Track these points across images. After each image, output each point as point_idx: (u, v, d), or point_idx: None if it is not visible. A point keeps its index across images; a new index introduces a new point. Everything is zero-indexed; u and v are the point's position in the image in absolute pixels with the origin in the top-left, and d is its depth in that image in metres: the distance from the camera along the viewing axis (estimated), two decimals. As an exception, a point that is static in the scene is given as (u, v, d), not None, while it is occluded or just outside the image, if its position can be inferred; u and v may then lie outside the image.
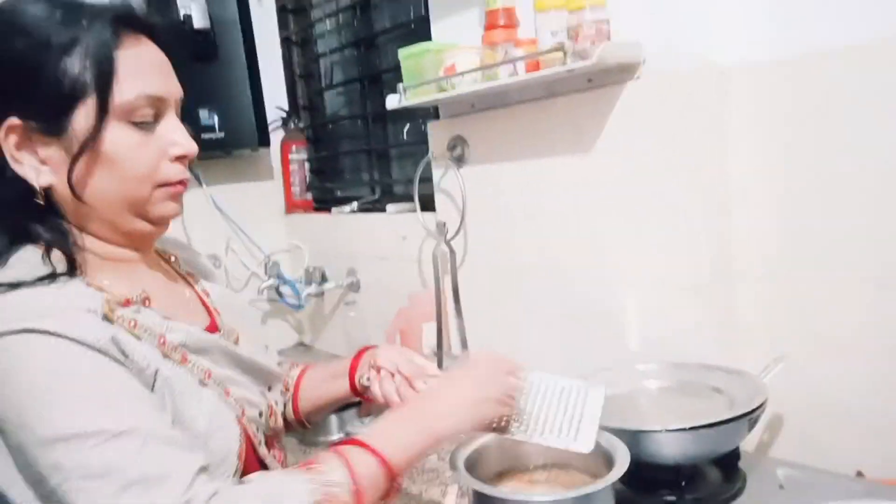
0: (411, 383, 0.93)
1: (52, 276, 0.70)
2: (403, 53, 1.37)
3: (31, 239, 0.74)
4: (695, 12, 1.07)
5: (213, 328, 0.87)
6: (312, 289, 1.92)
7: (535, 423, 0.85)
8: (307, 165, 2.15)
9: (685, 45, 1.08)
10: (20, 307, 0.66)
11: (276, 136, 2.16)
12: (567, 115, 1.24)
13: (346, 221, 1.93)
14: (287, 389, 1.05)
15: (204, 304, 0.91)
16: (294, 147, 2.13)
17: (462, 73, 1.24)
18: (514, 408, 0.86)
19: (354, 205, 1.91)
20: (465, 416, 0.81)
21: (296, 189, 2.13)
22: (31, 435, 0.63)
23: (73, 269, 0.73)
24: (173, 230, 1.89)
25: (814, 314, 1.06)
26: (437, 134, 1.51)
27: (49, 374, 0.63)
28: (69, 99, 0.70)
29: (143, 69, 0.74)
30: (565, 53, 1.06)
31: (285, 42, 2.20)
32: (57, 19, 0.71)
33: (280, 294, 2.04)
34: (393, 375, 0.95)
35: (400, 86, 1.37)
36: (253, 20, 2.06)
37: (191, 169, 2.00)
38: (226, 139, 1.91)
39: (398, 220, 1.72)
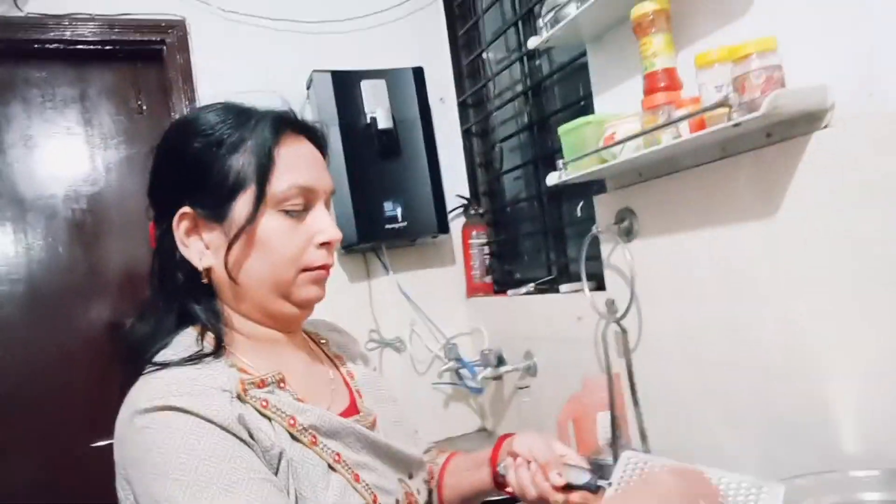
0: (545, 473, 0.84)
1: (199, 357, 0.75)
2: (563, 129, 1.34)
3: (192, 319, 0.81)
4: (894, 42, 0.90)
5: (351, 410, 0.87)
6: (489, 372, 1.88)
7: None
8: (487, 249, 2.16)
9: (885, 81, 0.91)
10: (165, 385, 0.71)
11: (458, 223, 2.23)
12: (745, 175, 1.10)
13: (522, 303, 1.89)
14: (432, 478, 1.01)
15: (347, 386, 0.92)
16: (474, 232, 2.17)
17: (622, 142, 1.17)
18: None
19: (530, 286, 1.87)
20: None
21: (476, 273, 2.15)
22: None
23: (219, 349, 0.78)
24: (360, 314, 2.00)
25: None
26: (604, 208, 1.43)
27: (178, 452, 0.66)
28: (233, 189, 0.78)
29: (297, 164, 0.81)
30: (730, 107, 0.95)
31: (465, 133, 2.30)
32: (229, 123, 0.80)
33: (460, 377, 2.03)
34: (529, 463, 0.87)
35: (559, 161, 1.33)
36: (435, 115, 2.20)
37: (378, 257, 2.12)
38: (408, 228, 2.01)
39: (572, 300, 1.64)
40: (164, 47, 2.05)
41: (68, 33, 1.95)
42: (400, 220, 1.99)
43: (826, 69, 0.96)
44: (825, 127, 0.97)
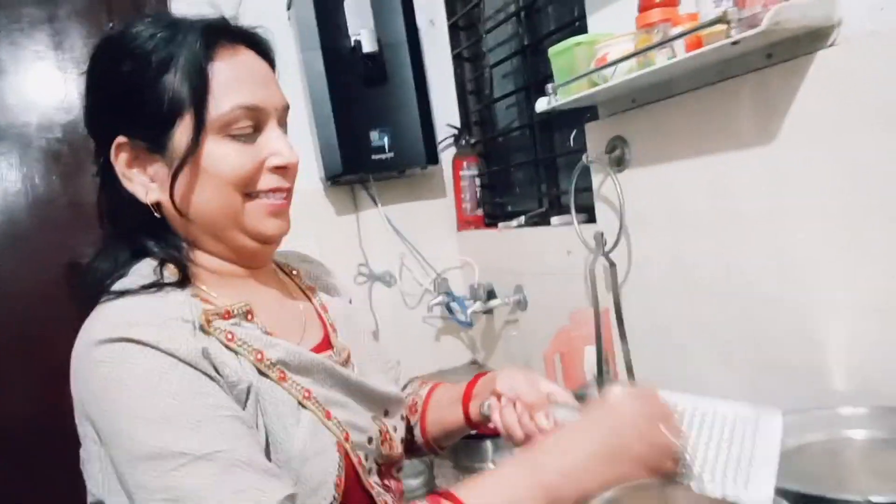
0: (532, 415, 0.81)
1: (158, 286, 0.71)
2: (553, 51, 1.26)
3: (149, 253, 0.76)
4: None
5: (324, 345, 0.84)
6: (478, 306, 1.86)
7: (694, 465, 0.68)
8: (478, 181, 2.10)
9: (900, -5, 0.83)
10: (122, 315, 0.67)
11: (449, 154, 2.15)
12: (745, 99, 1.03)
13: (513, 237, 1.85)
14: (416, 411, 0.99)
15: (321, 319, 0.89)
16: (465, 163, 2.10)
17: (614, 63, 1.10)
18: (672, 469, 0.68)
19: (521, 219, 1.82)
20: (595, 478, 0.64)
21: (467, 206, 2.10)
22: (119, 451, 0.63)
23: (182, 282, 0.73)
24: (348, 247, 1.95)
25: None
26: (595, 136, 1.36)
27: (140, 390, 0.63)
28: (168, 115, 0.72)
29: (238, 80, 0.73)
30: (728, 23, 0.87)
31: (456, 58, 2.19)
32: (157, 38, 0.72)
33: (451, 311, 2.01)
34: (515, 404, 0.84)
35: (549, 86, 1.25)
36: (425, 40, 2.09)
37: (366, 189, 2.05)
38: (396, 159, 1.94)
39: (563, 233, 1.59)
40: (136, -34, 1.93)
41: (32, -51, 1.83)
42: (387, 150, 1.91)
43: (835, -19, 0.88)
44: (830, 45, 0.90)
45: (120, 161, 0.74)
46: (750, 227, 1.06)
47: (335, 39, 1.87)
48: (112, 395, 0.64)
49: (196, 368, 0.66)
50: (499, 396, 0.86)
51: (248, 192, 0.75)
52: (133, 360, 0.64)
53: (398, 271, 2.10)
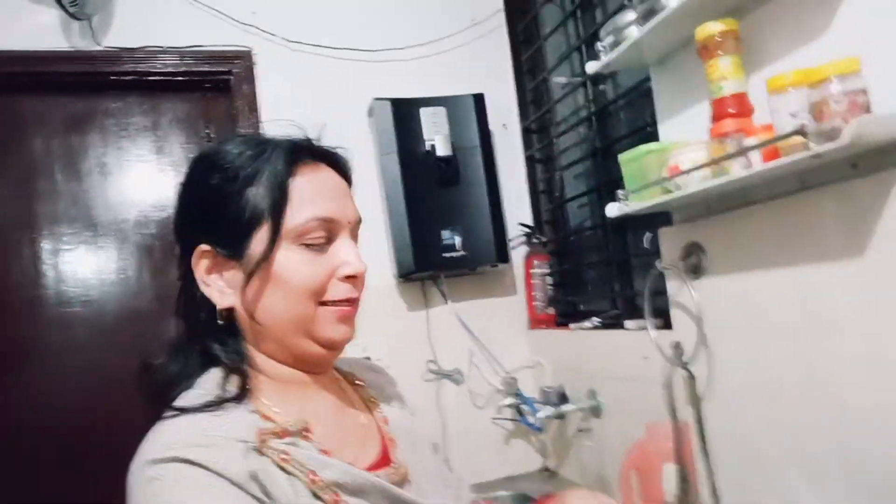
0: None
1: (218, 403, 0.72)
2: (624, 158, 1.27)
3: (216, 361, 0.78)
4: None
5: (382, 462, 0.82)
6: (550, 411, 1.79)
7: None
8: (549, 279, 2.08)
9: None
10: (178, 434, 0.68)
11: (521, 252, 2.16)
12: (829, 210, 0.99)
13: (586, 338, 1.80)
14: (478, 534, 0.94)
15: (380, 432, 0.87)
16: (536, 261, 2.09)
17: (687, 172, 1.09)
18: None
19: (595, 320, 1.78)
20: None
21: (538, 303, 2.08)
22: None
23: (243, 393, 0.74)
24: (418, 343, 1.95)
25: None
26: (670, 242, 1.33)
27: None
28: (248, 225, 0.75)
29: (316, 194, 0.77)
30: (806, 136, 0.85)
31: (529, 160, 2.24)
32: (245, 155, 0.77)
33: (521, 413, 1.95)
34: None
35: (619, 192, 1.25)
36: (497, 142, 2.16)
37: (437, 286, 2.07)
38: (467, 257, 1.96)
39: (638, 337, 1.54)
40: (232, 77, 2.10)
41: (142, 65, 2.03)
42: (458, 248, 1.94)
43: (921, 92, 0.85)
44: (919, 158, 0.86)
45: (200, 267, 0.78)
46: (839, 337, 0.99)
47: (411, 144, 1.95)
48: None
49: (245, 491, 0.65)
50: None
51: (320, 300, 0.77)
52: (183, 480, 0.64)
53: (467, 369, 2.07)
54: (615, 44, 1.26)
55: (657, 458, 1.26)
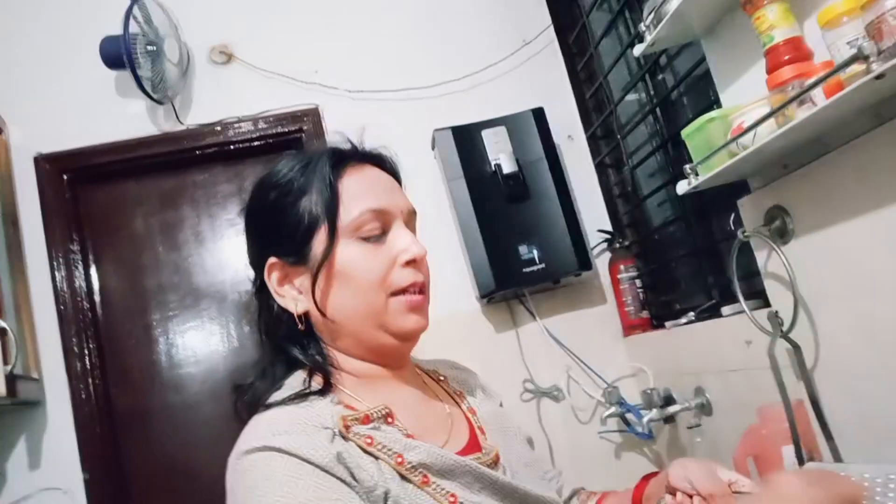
0: None
1: (303, 395, 0.74)
2: (687, 132, 1.23)
3: (301, 365, 0.81)
4: None
5: (471, 448, 0.81)
6: (655, 414, 1.71)
7: None
8: (638, 282, 2.02)
9: None
10: (268, 425, 0.71)
11: (605, 260, 2.11)
12: (912, 140, 0.92)
13: (684, 335, 1.72)
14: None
15: (468, 422, 0.87)
16: (622, 266, 2.04)
17: (750, 128, 1.04)
18: None
19: (690, 315, 1.70)
20: None
21: (630, 309, 2.01)
22: None
23: (326, 389, 0.77)
24: (511, 364, 1.93)
25: None
26: (751, 211, 1.27)
27: (279, 494, 0.65)
28: (308, 229, 0.80)
29: (365, 189, 0.81)
30: (867, 58, 0.80)
31: (599, 167, 2.21)
32: (295, 169, 0.82)
33: (627, 423, 1.87)
34: (692, 497, 0.74)
35: (687, 167, 1.21)
36: (566, 153, 2.16)
37: (523, 304, 2.05)
38: (547, 269, 1.93)
39: (737, 322, 1.45)
40: (303, 134, 2.22)
41: (222, 137, 2.19)
42: (538, 262, 1.92)
43: None
44: None
45: (272, 280, 0.82)
46: (956, 280, 0.90)
47: (477, 166, 1.98)
48: (255, 498, 0.66)
49: (331, 474, 0.67)
50: (674, 492, 0.76)
51: (389, 291, 0.79)
52: (273, 466, 0.67)
53: (566, 385, 2.02)
54: (658, 20, 1.24)
55: (773, 442, 1.17)
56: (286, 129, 2.23)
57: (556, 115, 2.16)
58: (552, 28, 2.30)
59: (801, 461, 1.13)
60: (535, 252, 1.92)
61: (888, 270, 0.99)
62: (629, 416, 1.87)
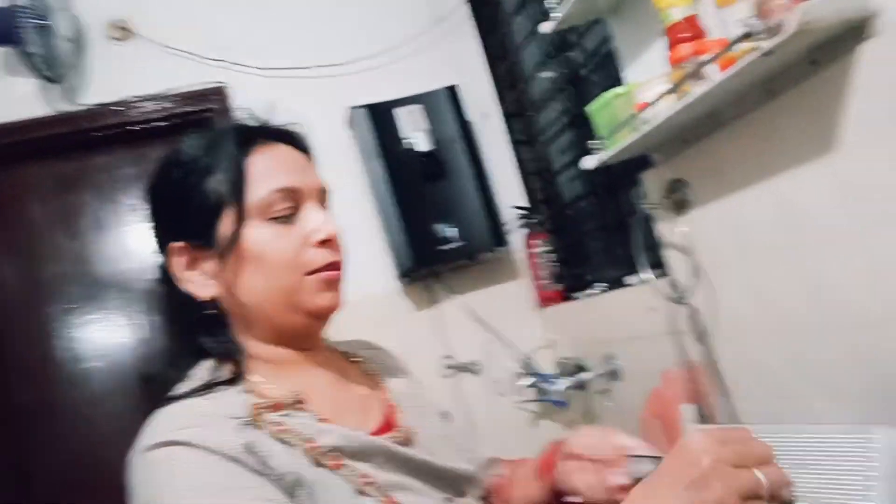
0: (606, 473, 0.74)
1: (210, 387, 0.72)
2: (593, 108, 1.27)
3: (207, 352, 0.78)
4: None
5: (386, 428, 0.81)
6: (569, 381, 1.77)
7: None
8: (552, 256, 2.07)
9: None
10: (170, 420, 0.68)
11: (521, 236, 2.16)
12: (794, 113, 0.98)
13: (594, 305, 1.79)
14: (498, 491, 0.93)
15: (384, 402, 0.86)
16: (536, 241, 2.09)
17: (652, 104, 1.08)
18: None
19: (599, 286, 1.76)
20: None
21: (544, 282, 2.06)
22: None
23: (236, 377, 0.74)
24: (431, 342, 1.94)
25: None
26: (653, 183, 1.33)
27: (186, 488, 0.63)
28: (213, 211, 0.76)
29: (274, 167, 0.78)
30: (754, 35, 0.85)
31: (514, 143, 2.24)
32: (201, 147, 0.78)
33: (543, 392, 1.93)
34: (591, 463, 0.77)
35: (593, 143, 1.25)
36: (482, 132, 2.17)
37: (441, 281, 2.06)
38: (465, 246, 1.96)
39: (642, 291, 1.52)
40: (211, 114, 2.13)
41: (122, 117, 2.07)
42: (455, 239, 1.94)
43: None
44: (870, 38, 0.85)
45: (177, 264, 0.78)
46: (831, 244, 0.98)
47: (392, 145, 1.97)
48: (161, 497, 0.64)
49: (241, 464, 0.65)
50: (575, 459, 0.79)
51: (303, 271, 0.77)
52: (179, 461, 0.64)
53: (484, 358, 2.06)
54: (564, -2, 1.27)
55: (674, 403, 1.24)
56: (193, 109, 2.13)
57: (471, 93, 2.17)
58: (465, 5, 2.30)
59: (701, 420, 1.20)
60: (452, 230, 1.94)
61: (778, 238, 1.07)
62: (544, 385, 1.93)
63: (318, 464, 0.69)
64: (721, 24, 0.98)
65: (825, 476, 0.59)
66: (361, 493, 0.70)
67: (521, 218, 2.14)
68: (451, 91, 2.07)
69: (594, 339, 1.77)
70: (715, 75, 0.98)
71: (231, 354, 0.77)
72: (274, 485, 0.65)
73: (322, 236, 0.77)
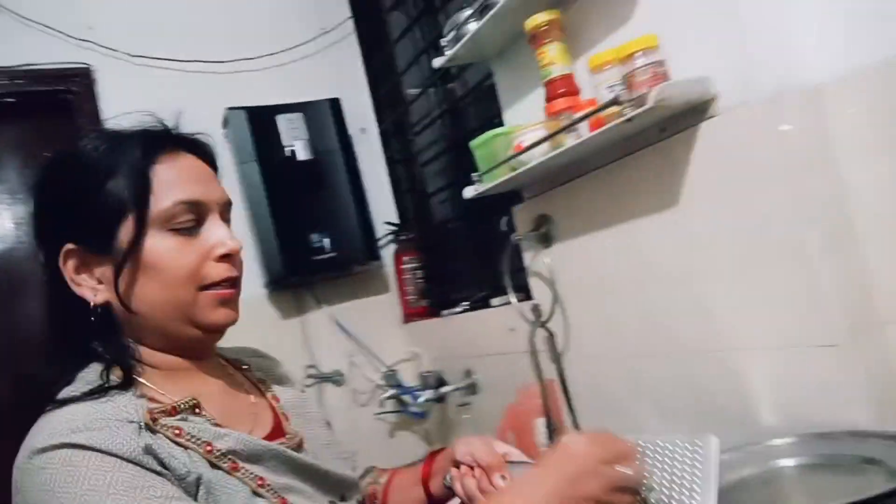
0: (490, 477, 0.83)
1: (102, 390, 0.72)
2: (474, 143, 1.37)
3: (96, 357, 0.77)
4: (767, 32, 0.96)
5: (276, 434, 0.84)
6: (430, 394, 1.87)
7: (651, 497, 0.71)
8: (420, 273, 2.17)
9: (763, 69, 0.96)
10: (64, 422, 0.67)
11: (390, 251, 2.23)
12: (647, 170, 1.15)
13: (457, 323, 1.90)
14: (376, 499, 0.99)
15: (272, 410, 0.89)
16: (405, 258, 2.17)
17: (529, 148, 1.21)
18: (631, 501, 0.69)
19: (463, 305, 1.88)
20: None
21: (411, 298, 2.15)
22: None
23: (127, 383, 0.74)
24: (294, 350, 1.95)
25: None
26: (523, 217, 1.46)
27: (83, 491, 0.63)
28: (113, 217, 0.75)
29: (179, 179, 0.78)
30: (622, 104, 0.99)
31: (389, 161, 2.32)
32: (101, 150, 0.77)
33: (403, 404, 2.01)
34: (473, 469, 0.85)
35: (474, 175, 1.35)
36: (358, 146, 2.21)
37: (310, 291, 2.07)
38: (338, 258, 2.00)
39: (504, 312, 1.65)
40: (72, 96, 2.00)
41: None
42: (328, 250, 1.97)
43: (708, 62, 1.01)
44: (712, 117, 1.02)
45: (68, 267, 0.76)
46: (669, 285, 1.15)
47: (271, 151, 1.96)
48: (58, 499, 0.63)
49: (141, 466, 0.66)
50: (458, 466, 0.87)
51: (200, 284, 0.77)
52: (75, 464, 0.64)
53: (347, 369, 2.10)
54: (457, 39, 1.37)
55: (528, 416, 1.37)
56: (51, 89, 1.99)
57: (351, 107, 2.21)
58: (352, 20, 2.35)
59: (550, 432, 1.34)
60: (326, 241, 1.97)
61: (625, 275, 1.23)
62: (405, 397, 2.01)
63: (215, 466, 0.72)
64: (592, 86, 1.12)
65: (665, 474, 0.71)
66: (257, 494, 0.73)
67: (393, 234, 2.22)
68: (335, 103, 2.10)
69: (456, 355, 1.88)
70: (585, 131, 1.12)
71: (121, 360, 0.77)
72: (174, 484, 0.67)
73: (224, 251, 0.79)
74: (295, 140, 1.98)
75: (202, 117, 2.06)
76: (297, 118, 2.01)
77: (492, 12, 1.25)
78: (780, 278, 0.97)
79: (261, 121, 1.98)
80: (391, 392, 2.00)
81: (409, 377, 2.09)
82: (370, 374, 2.12)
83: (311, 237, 1.96)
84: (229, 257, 0.79)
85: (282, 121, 2.00)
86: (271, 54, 2.20)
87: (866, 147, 0.92)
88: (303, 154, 1.96)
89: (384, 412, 2.09)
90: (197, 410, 0.76)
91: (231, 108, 1.99)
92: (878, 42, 0.88)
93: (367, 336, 2.12)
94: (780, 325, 0.98)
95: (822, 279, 0.93)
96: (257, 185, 1.94)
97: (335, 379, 2.08)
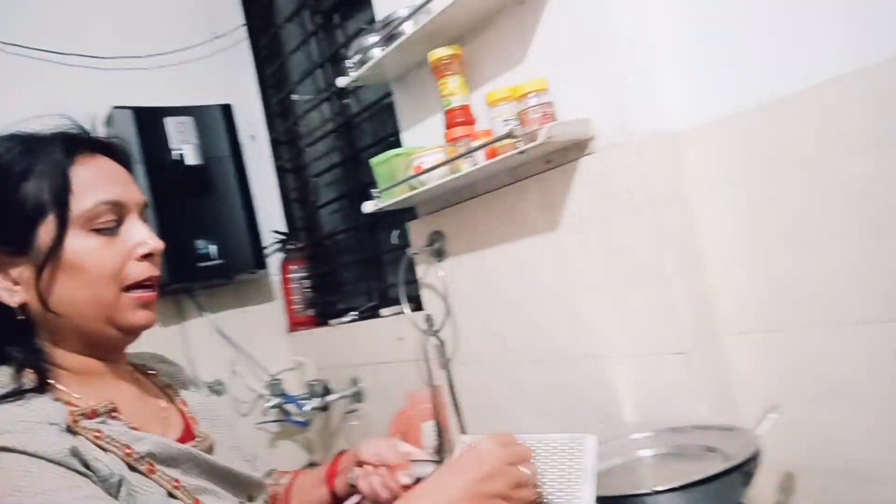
0: (394, 474, 0.90)
1: (19, 393, 0.71)
2: (375, 161, 1.45)
3: (6, 360, 0.76)
4: (638, 85, 1.13)
5: (187, 437, 0.87)
6: (315, 403, 1.91)
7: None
8: (307, 283, 2.19)
9: (633, 116, 1.13)
10: None
11: (277, 260, 2.23)
12: (532, 196, 1.28)
13: (345, 332, 1.95)
14: (276, 499, 1.03)
15: (182, 415, 0.92)
16: (292, 267, 2.19)
17: (429, 171, 1.30)
18: (529, 499, 0.78)
19: (351, 315, 1.93)
20: None
21: (297, 307, 2.17)
22: None
23: (42, 386, 0.74)
24: (173, 358, 1.91)
25: (807, 361, 1.03)
26: (417, 232, 1.55)
27: (13, 494, 0.63)
28: (30, 218, 0.75)
29: (98, 180, 0.79)
30: (516, 138, 1.11)
31: (279, 170, 2.33)
32: (15, 151, 0.77)
33: (287, 413, 2.03)
34: (377, 468, 0.92)
35: (373, 191, 1.43)
36: (248, 154, 2.20)
37: (192, 298, 2.04)
38: (224, 266, 1.98)
39: (394, 322, 1.74)
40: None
41: None
42: (214, 257, 1.96)
43: (589, 106, 1.16)
44: (590, 153, 1.17)
45: None
46: (547, 301, 1.28)
47: (158, 154, 1.92)
48: None
49: (66, 467, 0.67)
50: (363, 465, 0.93)
51: (122, 285, 0.79)
52: (1, 467, 0.64)
53: (228, 378, 2.08)
54: (361, 62, 1.44)
55: (418, 420, 1.46)
56: None
57: (241, 114, 2.21)
58: (245, 28, 2.35)
59: (439, 434, 1.43)
60: (212, 247, 1.96)
61: (509, 289, 1.36)
62: (288, 406, 2.03)
63: (133, 469, 0.74)
64: (488, 118, 1.24)
65: (551, 469, 0.82)
66: (172, 496, 0.76)
67: (280, 243, 2.23)
68: (226, 109, 2.10)
69: (342, 364, 1.93)
70: (481, 159, 1.23)
71: (35, 363, 0.76)
72: (98, 486, 0.68)
73: (146, 250, 0.81)
74: (184, 144, 1.95)
75: (83, 114, 2.00)
76: (186, 122, 1.98)
77: (397, 42, 1.33)
78: (640, 295, 1.13)
79: (148, 122, 1.93)
80: (275, 401, 2.00)
81: (293, 386, 2.11)
82: (253, 384, 2.11)
83: (196, 243, 1.94)
84: (151, 257, 0.82)
85: (170, 123, 1.96)
86: (160, 54, 2.15)
87: (713, 186, 1.10)
88: (191, 159, 1.94)
89: (266, 421, 2.08)
90: (114, 414, 0.77)
91: (117, 108, 1.93)
92: (732, 94, 1.06)
93: (251, 345, 2.12)
94: (640, 335, 1.14)
95: (674, 296, 1.10)
96: (142, 188, 1.88)
97: (215, 388, 2.05)
